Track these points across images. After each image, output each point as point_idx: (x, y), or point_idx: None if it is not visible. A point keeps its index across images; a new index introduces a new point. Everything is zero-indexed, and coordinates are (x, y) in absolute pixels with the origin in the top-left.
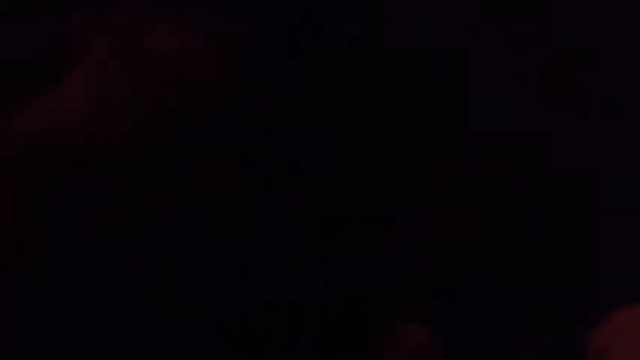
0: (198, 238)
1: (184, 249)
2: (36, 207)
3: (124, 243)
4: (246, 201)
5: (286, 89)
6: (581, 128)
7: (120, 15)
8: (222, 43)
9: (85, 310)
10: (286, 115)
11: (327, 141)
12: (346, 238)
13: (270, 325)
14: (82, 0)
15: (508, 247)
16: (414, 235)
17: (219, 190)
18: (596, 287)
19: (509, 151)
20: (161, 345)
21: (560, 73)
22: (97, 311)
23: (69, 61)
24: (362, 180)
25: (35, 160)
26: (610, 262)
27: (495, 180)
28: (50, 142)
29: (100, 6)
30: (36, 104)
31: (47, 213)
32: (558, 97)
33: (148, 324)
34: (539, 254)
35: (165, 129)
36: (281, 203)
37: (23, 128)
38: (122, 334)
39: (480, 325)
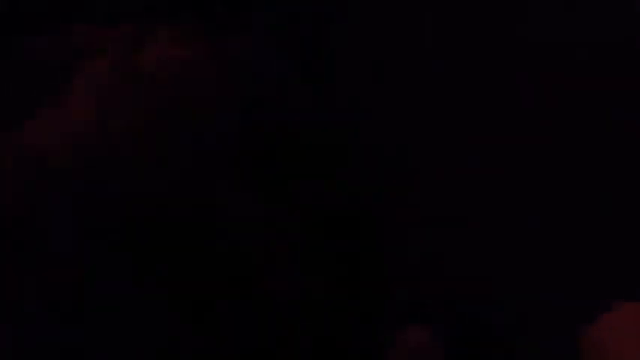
0: (196, 237)
1: (183, 248)
2: (34, 208)
3: (124, 245)
4: (246, 200)
5: (288, 93)
6: (581, 129)
7: (121, 25)
8: (223, 52)
9: (81, 311)
10: (288, 120)
11: (326, 140)
12: (345, 236)
13: (269, 324)
14: (84, 11)
15: (507, 247)
16: (415, 234)
17: (220, 195)
18: (595, 286)
19: (508, 154)
20: (157, 343)
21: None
22: (94, 312)
23: (70, 71)
24: (362, 177)
25: (35, 162)
26: (609, 261)
27: (493, 179)
28: (50, 152)
29: (101, 16)
30: (36, 116)
31: (46, 214)
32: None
33: (145, 322)
34: (539, 253)
35: (168, 140)
36: (281, 202)
37: (24, 139)
38: (119, 336)
39: (481, 325)
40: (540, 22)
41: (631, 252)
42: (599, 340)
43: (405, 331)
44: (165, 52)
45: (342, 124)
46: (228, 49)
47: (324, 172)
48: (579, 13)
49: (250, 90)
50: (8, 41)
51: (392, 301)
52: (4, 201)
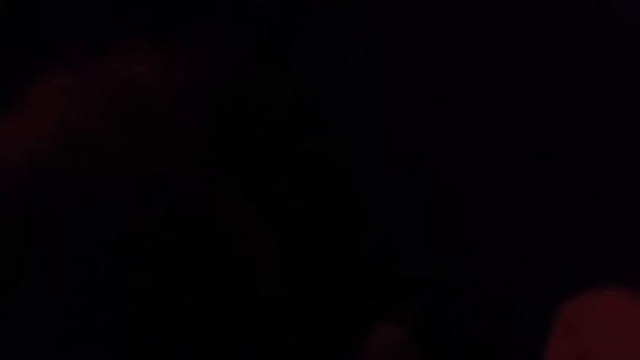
0: (180, 241)
1: (177, 249)
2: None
3: (99, 254)
4: (231, 200)
5: (261, 98)
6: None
7: (84, 30)
8: (189, 60)
9: (79, 320)
10: (260, 123)
11: (318, 144)
12: (328, 236)
13: (256, 324)
14: (50, 15)
15: (503, 247)
16: (401, 232)
17: (200, 196)
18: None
19: (507, 153)
20: (150, 343)
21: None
22: (92, 320)
23: (30, 83)
24: (348, 179)
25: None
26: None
27: (491, 177)
28: (17, 166)
29: (63, 28)
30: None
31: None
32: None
33: (137, 326)
34: (536, 255)
35: (136, 146)
36: (268, 203)
37: None
38: (109, 344)
39: (457, 324)
40: (541, 21)
41: (629, 250)
42: (576, 319)
43: (381, 329)
44: (129, 65)
45: (325, 126)
46: (195, 63)
47: (308, 174)
48: (579, 13)
49: (220, 105)
50: None
51: (371, 298)
52: None
